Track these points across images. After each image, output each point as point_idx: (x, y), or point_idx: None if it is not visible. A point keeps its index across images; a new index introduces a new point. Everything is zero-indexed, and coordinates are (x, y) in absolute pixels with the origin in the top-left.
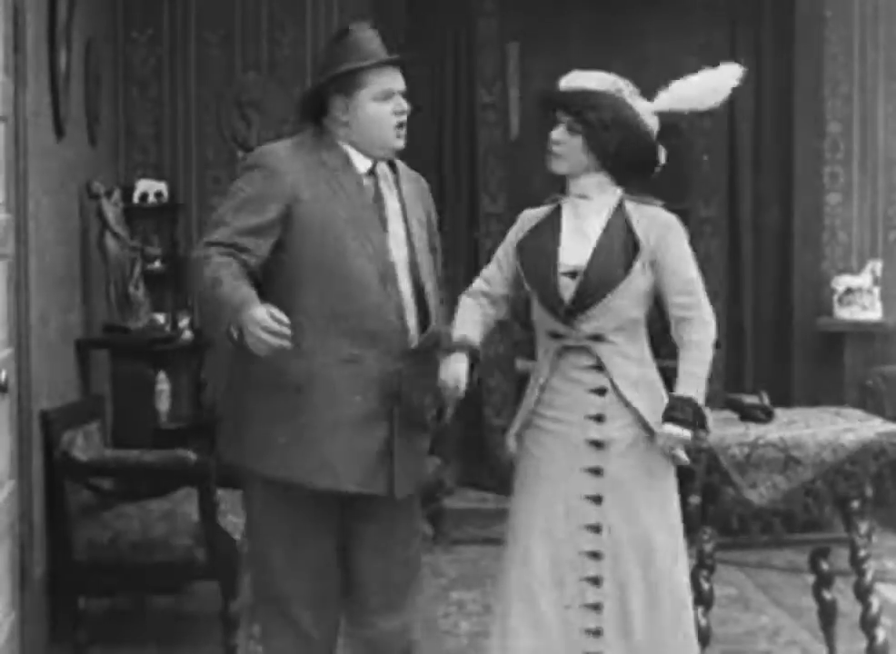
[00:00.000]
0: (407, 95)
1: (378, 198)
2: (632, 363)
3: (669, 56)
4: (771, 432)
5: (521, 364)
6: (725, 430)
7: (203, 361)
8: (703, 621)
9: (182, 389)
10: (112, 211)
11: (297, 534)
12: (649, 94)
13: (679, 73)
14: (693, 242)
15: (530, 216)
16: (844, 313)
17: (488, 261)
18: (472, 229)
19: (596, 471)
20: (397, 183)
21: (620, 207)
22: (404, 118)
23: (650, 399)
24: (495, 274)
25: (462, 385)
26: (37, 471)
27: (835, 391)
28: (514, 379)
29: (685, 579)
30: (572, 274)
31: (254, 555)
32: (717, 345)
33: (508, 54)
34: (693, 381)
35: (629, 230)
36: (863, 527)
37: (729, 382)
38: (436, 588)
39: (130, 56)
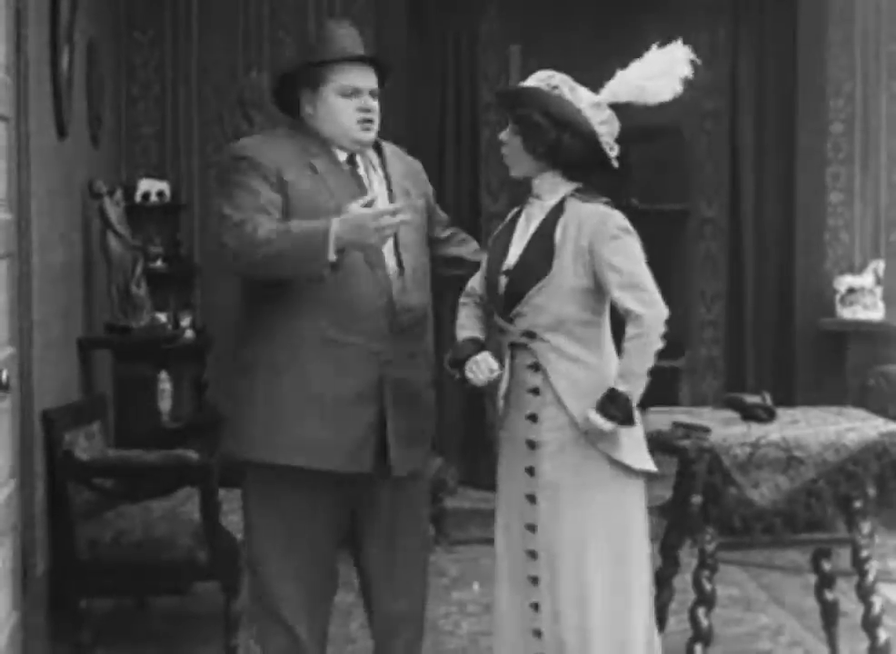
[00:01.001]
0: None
1: (360, 183)
2: (571, 363)
3: None
4: (774, 432)
5: None
6: (727, 429)
7: (205, 360)
8: (706, 621)
9: (184, 388)
10: (114, 210)
11: (293, 533)
12: None
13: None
14: (695, 243)
15: (505, 218)
16: (846, 313)
17: None
18: (473, 228)
19: (530, 471)
20: (383, 165)
21: (559, 205)
22: (370, 115)
23: (588, 401)
24: (477, 275)
25: (495, 369)
26: (39, 471)
27: (837, 390)
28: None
29: (633, 584)
30: (507, 272)
31: (251, 555)
32: (665, 337)
33: (510, 56)
34: (630, 376)
35: (554, 226)
36: (865, 527)
37: (731, 382)
38: (437, 587)
39: (132, 56)
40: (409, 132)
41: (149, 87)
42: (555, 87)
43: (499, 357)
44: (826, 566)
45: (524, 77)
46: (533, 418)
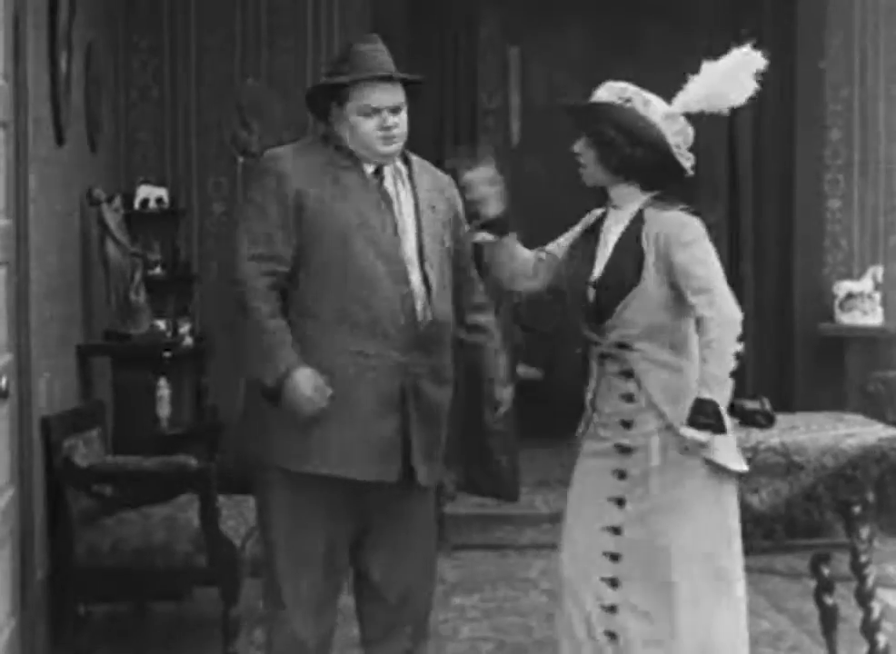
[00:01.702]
0: (410, 104)
1: (386, 197)
2: (662, 369)
3: (670, 62)
4: (773, 437)
5: (522, 370)
6: None
7: (204, 367)
8: None
9: (183, 395)
10: (112, 217)
11: (309, 538)
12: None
13: (679, 79)
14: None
15: (586, 220)
16: (845, 319)
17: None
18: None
19: (621, 475)
20: (411, 177)
21: (639, 215)
22: (390, 132)
23: (682, 405)
24: (554, 247)
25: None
26: (38, 478)
27: (836, 396)
28: (515, 384)
29: (721, 590)
30: (595, 285)
31: (264, 556)
32: (741, 340)
33: (509, 60)
34: (712, 382)
35: (639, 238)
36: (865, 532)
37: None
38: (437, 593)
39: (131, 62)
40: (409, 137)
41: (148, 93)
42: (628, 100)
43: (526, 361)
44: (825, 571)
45: (524, 81)
46: (627, 424)
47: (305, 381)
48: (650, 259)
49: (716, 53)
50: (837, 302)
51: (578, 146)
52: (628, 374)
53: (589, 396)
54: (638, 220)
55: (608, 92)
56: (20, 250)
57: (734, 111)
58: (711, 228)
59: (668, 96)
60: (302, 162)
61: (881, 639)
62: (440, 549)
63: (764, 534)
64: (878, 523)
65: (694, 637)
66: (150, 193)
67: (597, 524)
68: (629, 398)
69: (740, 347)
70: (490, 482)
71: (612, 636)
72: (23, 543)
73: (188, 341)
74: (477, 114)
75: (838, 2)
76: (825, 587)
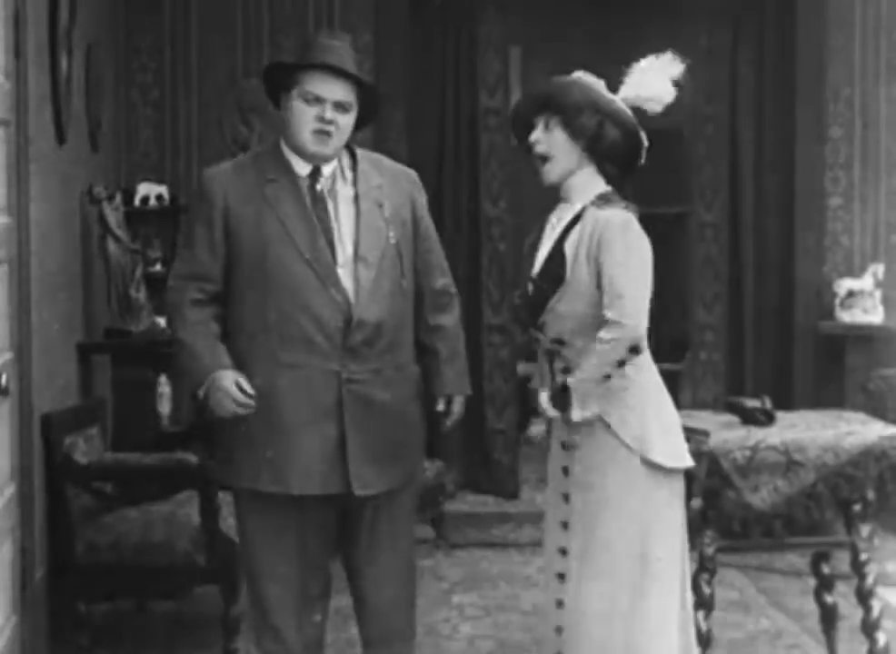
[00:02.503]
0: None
1: (318, 199)
2: None
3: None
4: (773, 436)
5: (521, 368)
6: (727, 433)
7: None
8: (705, 625)
9: (183, 392)
10: (113, 214)
11: (283, 546)
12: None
13: (680, 77)
14: (694, 246)
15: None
16: (846, 317)
17: (489, 263)
18: (473, 232)
19: (565, 471)
20: (354, 171)
21: (580, 213)
22: (327, 127)
23: (615, 404)
24: None
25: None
26: (38, 475)
27: (837, 394)
28: (515, 382)
29: (653, 584)
30: (532, 281)
31: (244, 562)
32: (635, 351)
33: (510, 59)
34: (582, 373)
35: (569, 232)
36: (865, 530)
37: (730, 386)
38: (437, 591)
39: (131, 61)
40: (408, 136)
41: (148, 92)
42: (590, 82)
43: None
44: (825, 569)
45: (525, 80)
46: (567, 421)
47: (225, 380)
48: (581, 254)
49: (717, 52)
50: (838, 300)
51: (535, 135)
52: (567, 371)
53: (545, 395)
54: (578, 217)
55: (562, 76)
56: (20, 248)
57: (735, 108)
58: (709, 225)
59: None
60: (233, 179)
61: (881, 638)
62: (439, 547)
63: (764, 532)
64: (878, 521)
65: (632, 632)
66: (150, 190)
67: (554, 520)
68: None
69: (629, 357)
70: (489, 480)
71: (558, 630)
72: (23, 540)
73: None
74: (478, 113)
75: (839, 0)
76: (825, 585)
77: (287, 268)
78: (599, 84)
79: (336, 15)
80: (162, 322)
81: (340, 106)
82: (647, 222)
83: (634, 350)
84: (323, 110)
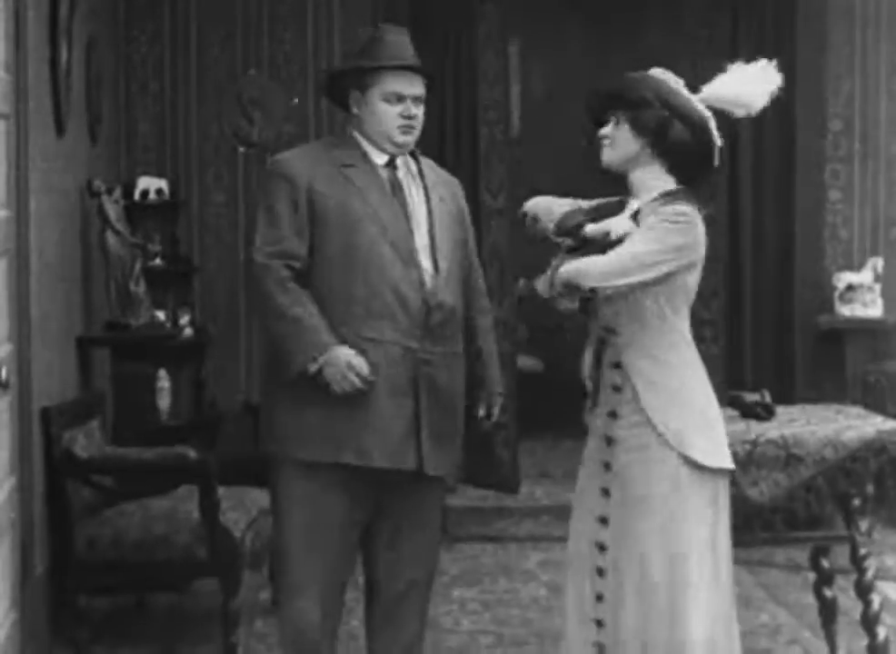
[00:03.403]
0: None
1: (398, 186)
2: (648, 360)
3: (670, 53)
4: (772, 430)
5: (522, 362)
6: (726, 427)
7: (203, 358)
8: None
9: (182, 386)
10: (113, 208)
11: (322, 526)
12: None
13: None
14: None
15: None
16: (845, 310)
17: (490, 256)
18: (473, 225)
19: (607, 466)
20: (420, 173)
21: (637, 211)
22: (412, 122)
23: (664, 401)
24: None
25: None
26: (38, 469)
27: (836, 388)
28: (516, 376)
29: (690, 582)
30: None
31: (277, 543)
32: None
33: (509, 53)
34: (578, 266)
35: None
36: (864, 524)
37: (730, 380)
38: (438, 585)
39: (131, 54)
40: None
41: (148, 85)
42: (661, 77)
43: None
44: (825, 563)
45: (524, 73)
46: (613, 414)
47: (346, 356)
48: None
49: (716, 46)
50: (837, 294)
51: (608, 129)
52: (617, 364)
53: (589, 385)
54: (638, 214)
55: (638, 72)
56: (20, 241)
57: None
58: (709, 220)
59: None
60: (308, 161)
61: (881, 632)
62: (440, 541)
63: (763, 526)
64: (877, 516)
65: (670, 629)
66: (150, 184)
67: (590, 515)
68: (616, 388)
69: (568, 294)
70: (490, 475)
71: (599, 623)
72: (23, 535)
73: (188, 332)
74: (478, 108)
75: None
76: (825, 579)
77: (375, 247)
78: (674, 81)
79: (335, 8)
80: (161, 315)
81: (418, 100)
82: None
83: (575, 292)
84: (407, 108)
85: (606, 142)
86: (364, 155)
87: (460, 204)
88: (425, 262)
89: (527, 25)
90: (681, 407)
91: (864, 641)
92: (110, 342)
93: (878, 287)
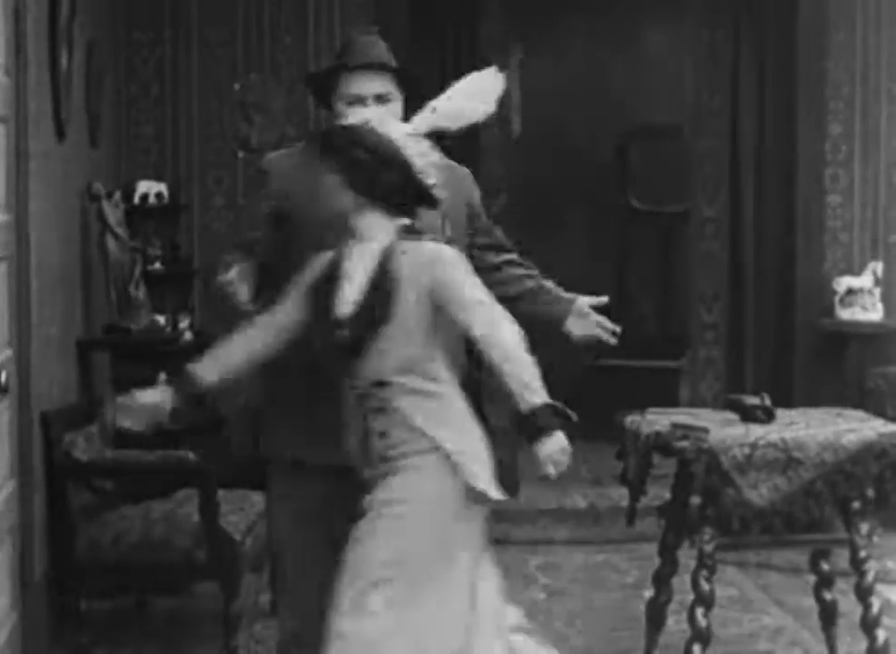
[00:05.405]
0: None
1: None
2: (423, 398)
3: (671, 56)
4: (772, 433)
5: None
6: (726, 430)
7: None
8: (704, 622)
9: None
10: (112, 212)
11: (311, 524)
12: (648, 93)
13: (679, 71)
14: (695, 243)
15: (317, 264)
16: (845, 314)
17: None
18: None
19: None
20: None
21: (389, 248)
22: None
23: (451, 429)
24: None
25: None
26: (38, 472)
27: (836, 391)
28: None
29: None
30: (344, 323)
31: (271, 546)
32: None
33: (511, 54)
34: (532, 388)
35: (390, 271)
36: (864, 527)
37: (730, 383)
38: None
39: (131, 57)
40: None
41: (148, 88)
42: (367, 122)
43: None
44: (825, 566)
45: (525, 75)
46: (384, 459)
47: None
48: (409, 293)
49: (718, 49)
50: (837, 298)
51: (325, 177)
52: (382, 411)
53: (353, 440)
54: (389, 252)
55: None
56: (20, 245)
57: (736, 105)
58: (710, 222)
59: (667, 96)
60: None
61: (881, 635)
62: None
63: (763, 529)
64: (877, 519)
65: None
66: (150, 187)
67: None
68: (382, 435)
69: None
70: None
71: None
72: (23, 538)
73: (188, 336)
74: None
75: None
76: (825, 582)
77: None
78: (377, 124)
79: (336, 11)
80: (161, 319)
81: (381, 98)
82: (648, 220)
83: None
84: (367, 108)
85: (321, 190)
86: None
87: (464, 197)
88: None
89: (528, 25)
90: (460, 432)
91: (864, 644)
92: (110, 346)
93: (878, 291)
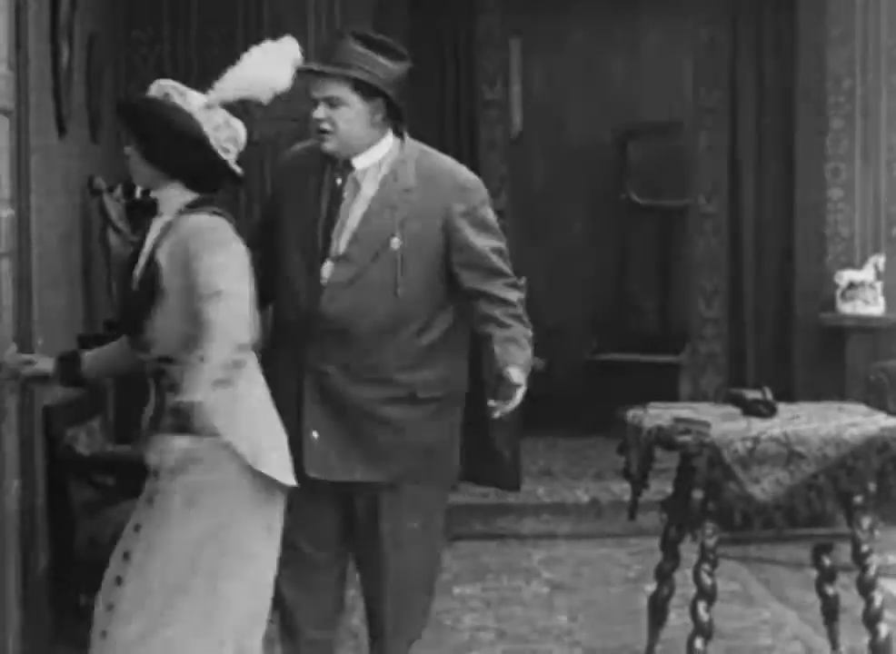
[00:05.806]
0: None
1: (336, 194)
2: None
3: (670, 52)
4: (774, 427)
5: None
6: (728, 425)
7: None
8: (706, 616)
9: None
10: (114, 207)
11: (294, 537)
12: (647, 89)
13: (679, 71)
14: (695, 238)
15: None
16: (847, 308)
17: None
18: None
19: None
20: (394, 173)
21: (168, 225)
22: (319, 124)
23: (233, 415)
24: None
25: None
26: (40, 467)
27: (838, 385)
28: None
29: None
30: (125, 300)
31: None
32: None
33: (510, 51)
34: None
35: (159, 245)
36: (866, 522)
37: (731, 378)
38: (439, 582)
39: (132, 53)
40: (408, 128)
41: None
42: (166, 95)
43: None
44: (827, 561)
45: (524, 72)
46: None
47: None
48: (170, 270)
49: (717, 44)
50: (838, 292)
51: (129, 149)
52: (173, 388)
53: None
54: (166, 230)
55: (154, 88)
56: (22, 240)
57: (735, 100)
58: (709, 217)
59: (667, 91)
60: (291, 161)
61: (883, 629)
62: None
63: (765, 524)
64: (879, 513)
65: None
66: None
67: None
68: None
69: (226, 367)
70: (492, 472)
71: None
72: (24, 533)
73: None
74: (477, 106)
75: None
76: (827, 576)
77: (288, 251)
78: (176, 96)
79: (336, 7)
80: None
81: (329, 102)
82: (647, 215)
83: (240, 353)
84: (318, 111)
85: (129, 162)
86: (325, 158)
87: (444, 208)
88: (325, 272)
89: (527, 24)
90: (249, 422)
91: (866, 638)
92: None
93: (879, 285)
